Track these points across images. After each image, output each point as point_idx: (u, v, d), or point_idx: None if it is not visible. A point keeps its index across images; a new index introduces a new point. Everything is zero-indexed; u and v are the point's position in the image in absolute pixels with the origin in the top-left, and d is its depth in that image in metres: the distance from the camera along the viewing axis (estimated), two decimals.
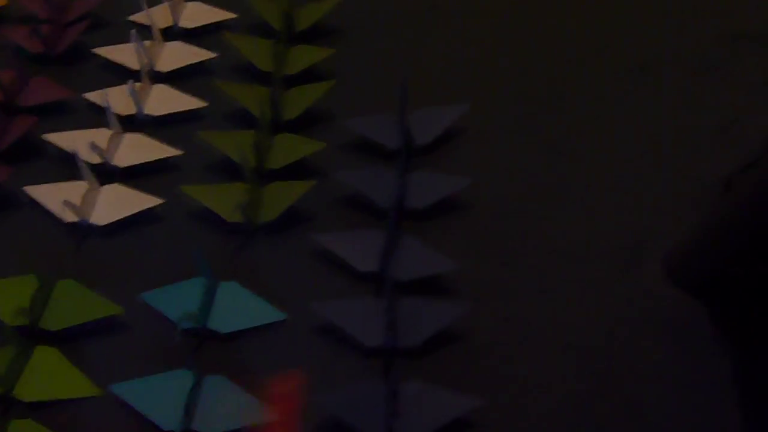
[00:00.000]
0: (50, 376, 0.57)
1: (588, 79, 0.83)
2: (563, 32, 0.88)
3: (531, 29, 0.88)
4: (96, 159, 0.70)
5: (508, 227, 0.68)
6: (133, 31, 0.74)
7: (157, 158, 0.71)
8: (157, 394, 0.55)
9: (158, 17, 0.84)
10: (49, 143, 0.73)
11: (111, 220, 0.66)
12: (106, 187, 0.68)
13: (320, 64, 0.81)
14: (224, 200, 0.66)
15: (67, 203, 0.65)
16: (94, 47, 0.84)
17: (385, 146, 0.71)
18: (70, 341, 0.60)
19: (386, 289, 0.59)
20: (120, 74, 0.81)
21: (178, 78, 0.80)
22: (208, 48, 0.83)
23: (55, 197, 0.67)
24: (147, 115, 0.74)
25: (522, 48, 0.86)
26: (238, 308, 0.61)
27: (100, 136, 0.71)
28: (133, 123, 0.76)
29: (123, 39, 0.83)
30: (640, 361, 0.60)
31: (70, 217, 0.66)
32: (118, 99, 0.75)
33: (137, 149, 0.71)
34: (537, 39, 0.87)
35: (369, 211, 0.69)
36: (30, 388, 0.56)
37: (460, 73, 0.82)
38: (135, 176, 0.71)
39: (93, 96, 0.77)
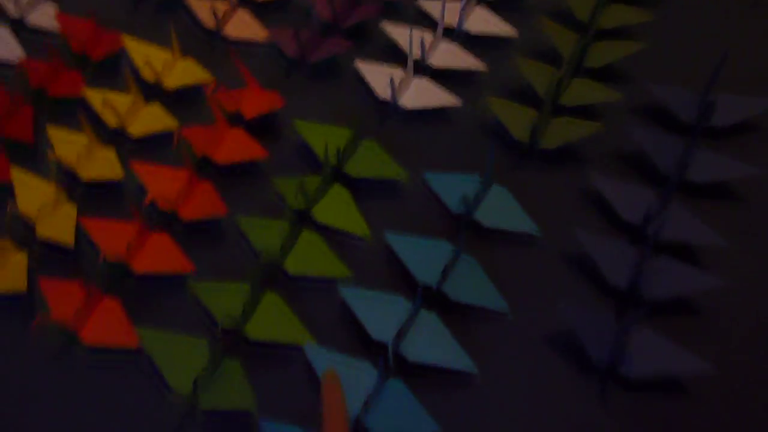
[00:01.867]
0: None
1: None
2: None
3: None
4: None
5: None
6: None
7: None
8: (422, 253, 0.64)
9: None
10: (385, 34, 0.83)
11: (416, 106, 0.76)
12: (418, 78, 0.78)
13: (636, 26, 0.83)
14: (517, 119, 0.72)
15: (387, 84, 0.77)
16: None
17: (680, 117, 0.72)
18: (360, 190, 0.71)
19: (646, 242, 0.62)
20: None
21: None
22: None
23: (377, 76, 0.79)
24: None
25: None
26: (504, 210, 0.67)
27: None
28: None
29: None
30: None
31: (384, 95, 0.77)
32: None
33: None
34: None
35: (645, 172, 0.71)
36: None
37: None
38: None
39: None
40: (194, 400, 0.60)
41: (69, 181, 0.76)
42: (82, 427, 0.60)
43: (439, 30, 0.82)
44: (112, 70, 0.84)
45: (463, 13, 0.83)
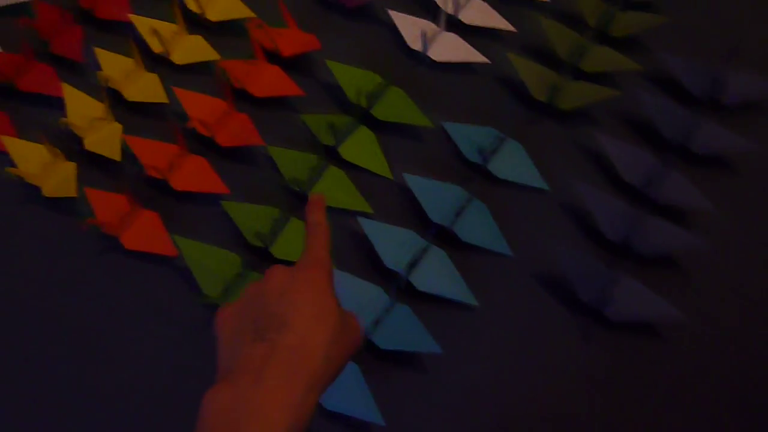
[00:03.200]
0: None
1: None
2: None
3: None
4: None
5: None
6: None
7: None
8: (437, 195, 0.70)
9: None
10: None
11: (444, 60, 0.80)
12: (448, 33, 0.82)
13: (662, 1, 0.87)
14: (537, 79, 0.77)
15: (418, 34, 0.81)
16: None
17: (690, 91, 0.76)
18: (383, 133, 0.78)
19: (643, 202, 0.67)
20: None
21: None
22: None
23: (408, 26, 0.83)
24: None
25: None
26: (516, 163, 0.73)
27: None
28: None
29: None
30: None
31: (415, 45, 0.82)
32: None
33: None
34: None
35: (650, 139, 0.76)
36: (348, 152, 0.75)
37: None
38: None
39: None
40: (223, 304, 0.67)
41: (113, 101, 0.82)
42: (118, 316, 0.68)
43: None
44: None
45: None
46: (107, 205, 0.73)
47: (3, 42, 0.85)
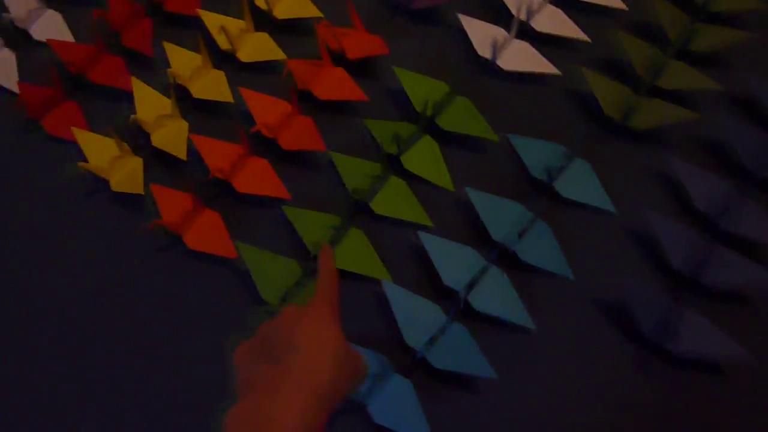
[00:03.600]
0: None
1: None
2: None
3: None
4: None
5: None
6: None
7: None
8: (499, 212, 0.69)
9: None
10: None
11: (514, 69, 0.78)
12: (519, 42, 0.80)
13: (748, 15, 0.81)
14: (611, 96, 0.74)
15: (488, 41, 0.79)
16: None
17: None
18: (446, 144, 0.76)
19: (715, 233, 0.65)
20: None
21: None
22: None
23: (478, 32, 0.81)
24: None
25: None
26: (583, 183, 0.71)
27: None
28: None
29: None
30: None
31: (484, 52, 0.80)
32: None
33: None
34: None
35: (724, 164, 0.72)
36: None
37: None
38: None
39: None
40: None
41: (180, 96, 0.82)
42: (176, 314, 0.69)
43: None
44: None
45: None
46: (172, 203, 0.74)
47: (76, 32, 0.87)
